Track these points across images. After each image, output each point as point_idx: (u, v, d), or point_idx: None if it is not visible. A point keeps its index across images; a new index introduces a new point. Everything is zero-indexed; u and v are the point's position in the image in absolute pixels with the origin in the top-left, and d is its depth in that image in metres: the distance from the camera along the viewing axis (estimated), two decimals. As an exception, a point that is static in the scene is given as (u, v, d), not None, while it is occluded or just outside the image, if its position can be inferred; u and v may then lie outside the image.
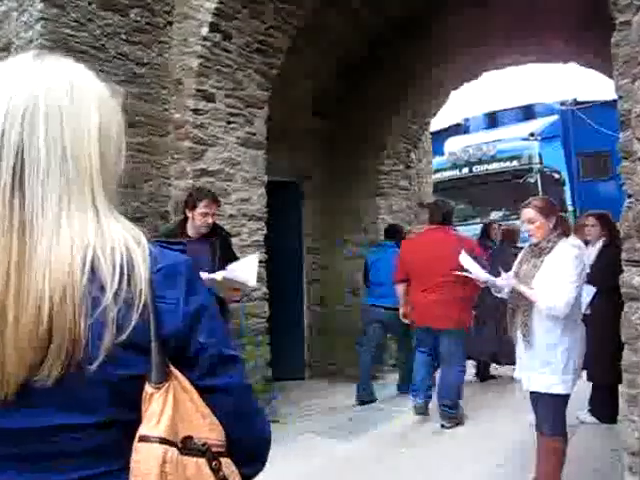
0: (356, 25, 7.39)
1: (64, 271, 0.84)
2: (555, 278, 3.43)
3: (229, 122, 5.49)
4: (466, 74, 8.37)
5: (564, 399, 3.56)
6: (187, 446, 0.86)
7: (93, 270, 0.85)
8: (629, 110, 3.12)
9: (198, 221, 4.41)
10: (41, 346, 0.82)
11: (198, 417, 0.89)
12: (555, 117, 13.72)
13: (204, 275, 4.09)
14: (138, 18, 4.99)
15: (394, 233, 6.95)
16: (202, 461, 0.87)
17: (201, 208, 4.40)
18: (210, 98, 5.31)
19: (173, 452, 0.84)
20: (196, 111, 5.22)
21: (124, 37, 4.87)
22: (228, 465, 0.91)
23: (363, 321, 6.95)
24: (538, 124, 13.40)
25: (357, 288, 8.04)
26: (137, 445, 0.85)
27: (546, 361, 3.51)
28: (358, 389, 6.58)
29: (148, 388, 0.87)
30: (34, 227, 0.85)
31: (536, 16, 6.83)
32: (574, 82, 31.21)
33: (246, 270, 4.23)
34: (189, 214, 4.46)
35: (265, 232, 5.79)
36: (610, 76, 6.94)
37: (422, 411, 5.80)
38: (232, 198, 5.47)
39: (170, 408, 0.86)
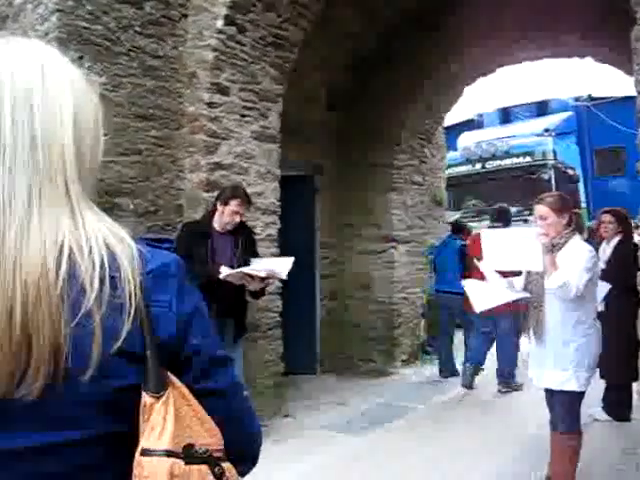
0: (370, 18, 7.36)
1: (36, 271, 0.77)
2: (568, 268, 3.39)
3: (243, 115, 5.48)
4: (481, 69, 8.31)
5: (579, 396, 3.53)
6: (189, 454, 0.83)
7: (70, 270, 0.79)
8: (648, 105, 3.08)
9: (227, 217, 4.48)
10: (17, 356, 0.76)
11: (197, 423, 0.86)
12: (570, 113, 13.63)
13: (227, 270, 4.23)
14: (153, 11, 4.98)
15: (459, 229, 7.80)
16: (205, 468, 0.84)
17: (233, 206, 4.47)
18: (224, 91, 5.31)
19: (180, 464, 0.81)
20: (210, 104, 5.22)
21: (139, 30, 4.87)
22: (230, 469, 0.88)
23: (434, 306, 8.02)
24: (552, 120, 13.31)
25: (369, 283, 8.03)
26: (140, 459, 0.80)
27: (560, 357, 3.49)
28: (442, 365, 7.51)
29: (147, 399, 0.82)
30: (2, 228, 0.77)
31: (552, 10, 6.77)
32: (589, 78, 30.94)
33: (281, 265, 4.45)
34: (220, 208, 4.50)
35: (279, 226, 5.79)
36: (626, 72, 6.88)
37: (470, 382, 6.65)
38: (246, 192, 5.47)
39: (172, 418, 0.82)
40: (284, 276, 4.46)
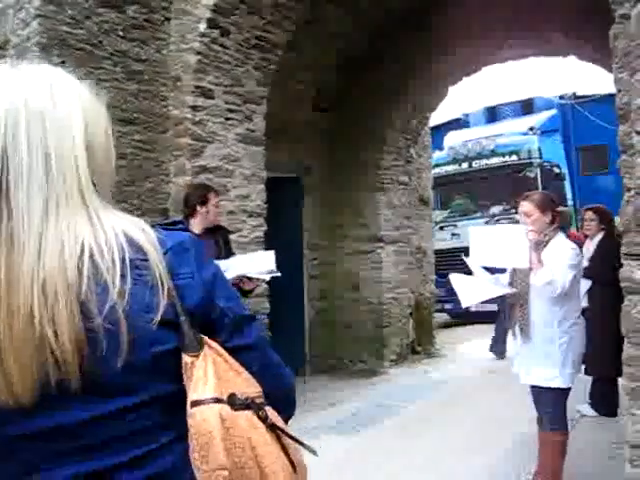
0: (356, 18, 7.37)
1: (54, 273, 0.85)
2: (553, 265, 3.41)
3: (228, 118, 5.48)
4: (466, 68, 8.35)
5: (564, 393, 3.56)
6: (233, 402, 0.91)
7: (93, 269, 0.87)
8: (627, 103, 3.11)
9: (213, 215, 4.44)
10: (42, 353, 0.84)
11: (235, 375, 0.95)
12: (554, 111, 13.70)
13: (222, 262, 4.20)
14: (136, 15, 4.97)
15: None
16: (249, 413, 0.92)
17: (214, 201, 4.44)
18: (209, 95, 5.30)
19: (227, 409, 0.90)
20: (195, 108, 5.21)
21: (121, 34, 4.86)
22: (272, 412, 0.97)
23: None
24: (537, 118, 13.37)
25: (358, 283, 8.05)
26: (191, 411, 0.89)
27: (545, 354, 3.51)
28: (493, 345, 8.18)
29: (187, 358, 0.92)
30: (21, 234, 0.86)
31: (536, 10, 6.81)
32: (573, 76, 31.15)
33: (265, 259, 4.38)
34: (201, 209, 4.42)
35: (265, 228, 5.78)
36: (609, 70, 6.93)
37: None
38: (232, 195, 5.47)
39: (212, 371, 0.91)
40: (275, 270, 4.38)
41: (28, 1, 4.38)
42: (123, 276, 0.88)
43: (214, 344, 0.95)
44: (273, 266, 4.36)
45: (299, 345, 7.75)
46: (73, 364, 0.85)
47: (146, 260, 0.91)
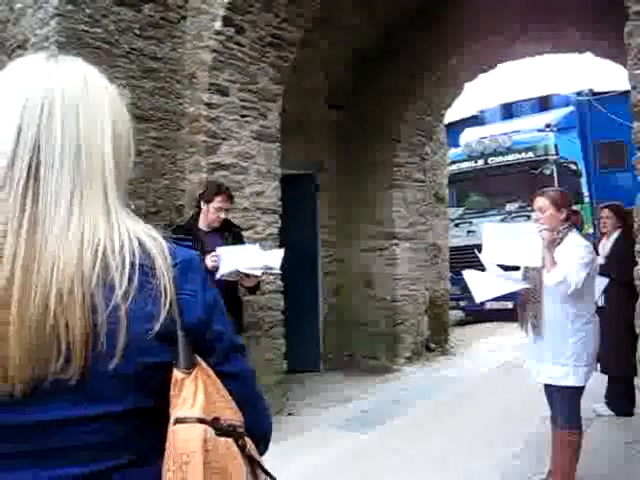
0: (371, 15, 7.36)
1: (72, 265, 0.86)
2: (566, 263, 3.39)
3: (243, 116, 5.51)
4: (481, 64, 8.31)
5: (578, 391, 3.54)
6: (216, 427, 0.89)
7: (103, 267, 0.88)
8: (643, 100, 3.09)
9: (212, 215, 4.44)
10: (50, 342, 0.84)
11: (221, 400, 0.94)
12: (571, 108, 13.58)
13: (223, 249, 4.21)
14: (152, 13, 5.01)
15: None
16: (230, 440, 0.91)
17: (216, 203, 4.42)
18: (224, 92, 5.33)
19: (211, 431, 0.88)
20: (210, 105, 5.24)
21: (138, 32, 4.90)
22: (250, 444, 0.95)
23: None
24: (554, 115, 13.27)
25: (372, 280, 8.05)
26: (174, 428, 0.87)
27: (558, 353, 3.49)
28: None
29: (178, 374, 0.91)
30: (45, 223, 0.87)
31: (552, 6, 6.77)
32: (590, 73, 30.86)
33: (273, 258, 4.38)
34: (204, 207, 4.48)
35: (280, 225, 5.80)
36: (625, 66, 6.87)
37: None
38: (246, 192, 5.50)
39: (201, 391, 0.90)
40: (277, 269, 4.43)
41: (47, 0, 4.42)
42: (130, 279, 0.89)
43: (205, 365, 0.94)
44: (275, 264, 4.36)
45: (313, 342, 7.77)
46: (78, 357, 0.85)
47: (153, 268, 0.92)
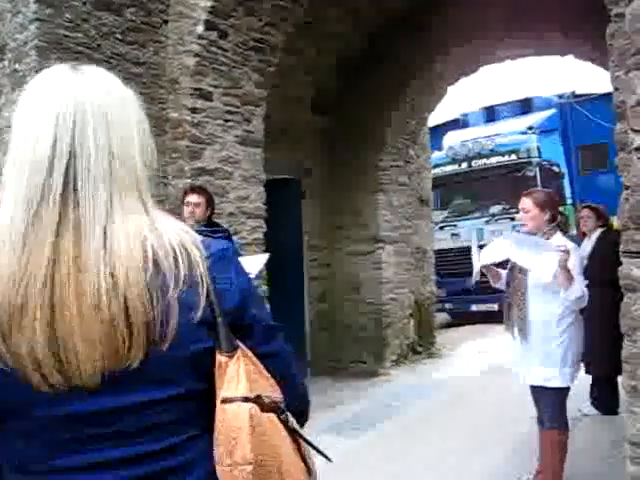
0: (355, 19, 7.38)
1: (129, 262, 0.91)
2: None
3: (226, 120, 5.49)
4: (464, 68, 8.36)
5: (564, 392, 3.56)
6: (261, 403, 0.96)
7: (155, 261, 0.93)
8: (624, 102, 3.11)
9: (186, 213, 4.42)
10: (114, 334, 0.90)
11: (262, 379, 1.00)
12: (553, 110, 13.70)
13: None
14: (133, 17, 4.98)
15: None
16: (273, 415, 0.98)
17: (186, 199, 4.43)
18: (207, 97, 5.31)
19: (256, 408, 0.95)
20: (193, 110, 5.22)
21: (119, 37, 4.87)
22: (291, 417, 1.02)
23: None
24: (536, 117, 13.37)
25: (359, 284, 8.05)
26: (222, 407, 0.95)
27: (544, 354, 3.51)
28: None
29: (221, 357, 0.97)
30: (88, 227, 0.92)
31: (534, 9, 6.83)
32: (572, 75, 31.20)
33: (253, 263, 4.31)
34: (181, 208, 4.48)
35: (265, 230, 5.78)
36: (607, 69, 6.94)
37: None
38: (231, 196, 5.47)
39: (244, 372, 0.97)
40: (253, 275, 4.41)
41: (25, 5, 4.38)
42: (177, 271, 0.94)
43: (244, 347, 1.00)
44: (253, 269, 4.31)
45: (300, 346, 7.74)
46: (141, 346, 0.91)
47: (191, 260, 0.97)
